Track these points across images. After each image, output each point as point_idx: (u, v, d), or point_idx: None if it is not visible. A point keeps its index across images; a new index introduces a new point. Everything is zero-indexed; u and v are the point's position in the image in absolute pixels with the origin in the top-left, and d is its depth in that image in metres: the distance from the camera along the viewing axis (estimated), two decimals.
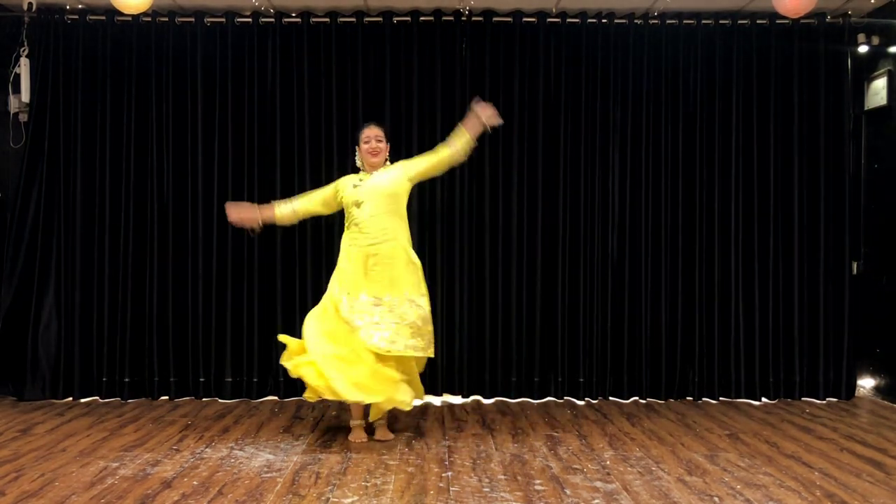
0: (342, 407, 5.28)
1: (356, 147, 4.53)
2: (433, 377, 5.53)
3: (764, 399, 5.54)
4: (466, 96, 5.55)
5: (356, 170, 4.58)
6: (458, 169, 5.53)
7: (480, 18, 5.56)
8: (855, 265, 5.70)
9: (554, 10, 5.54)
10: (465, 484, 3.58)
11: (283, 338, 4.51)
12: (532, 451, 4.14)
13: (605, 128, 5.59)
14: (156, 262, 5.50)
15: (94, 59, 5.52)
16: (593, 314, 5.56)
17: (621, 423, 4.81)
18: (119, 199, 5.52)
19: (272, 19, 5.54)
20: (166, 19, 5.51)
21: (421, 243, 5.53)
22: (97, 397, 5.49)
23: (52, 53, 5.48)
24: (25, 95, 5.54)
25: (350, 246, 4.41)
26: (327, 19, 5.54)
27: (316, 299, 5.47)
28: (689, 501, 3.35)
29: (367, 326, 4.23)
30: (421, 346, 4.33)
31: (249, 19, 5.54)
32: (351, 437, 4.36)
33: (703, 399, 5.55)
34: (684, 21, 5.57)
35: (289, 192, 5.50)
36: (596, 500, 3.36)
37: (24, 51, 5.56)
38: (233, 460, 3.96)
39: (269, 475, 3.70)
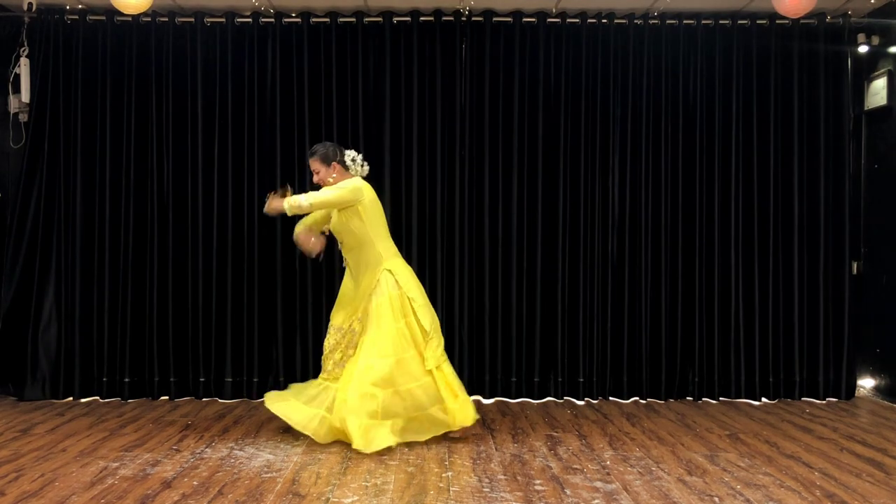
0: None
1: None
2: None
3: (764, 399, 5.54)
4: (466, 96, 5.58)
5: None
6: (458, 169, 5.56)
7: (480, 18, 5.56)
8: (855, 265, 5.70)
9: (554, 10, 5.54)
10: (465, 484, 3.58)
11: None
12: (532, 451, 4.14)
13: (605, 128, 5.59)
14: (156, 262, 5.50)
15: (94, 59, 5.52)
16: (593, 314, 5.56)
17: (621, 423, 4.81)
18: (119, 199, 5.52)
19: (272, 19, 5.54)
20: (166, 19, 5.51)
21: (421, 244, 5.53)
22: (97, 397, 5.49)
23: (52, 53, 5.48)
24: (25, 95, 5.54)
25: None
26: (327, 19, 5.54)
27: (316, 299, 5.51)
28: (689, 501, 3.35)
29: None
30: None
31: (249, 19, 5.54)
32: None
33: (703, 399, 5.55)
34: (684, 21, 5.57)
35: None
36: (596, 500, 3.36)
37: (24, 51, 5.56)
38: (233, 460, 3.96)
39: (269, 475, 3.70)
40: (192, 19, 5.52)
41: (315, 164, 4.46)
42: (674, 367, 5.57)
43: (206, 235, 5.52)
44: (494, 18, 5.55)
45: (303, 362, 5.52)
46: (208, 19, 5.53)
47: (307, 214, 4.50)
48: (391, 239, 4.52)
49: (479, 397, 5.57)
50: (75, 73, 5.50)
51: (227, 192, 5.53)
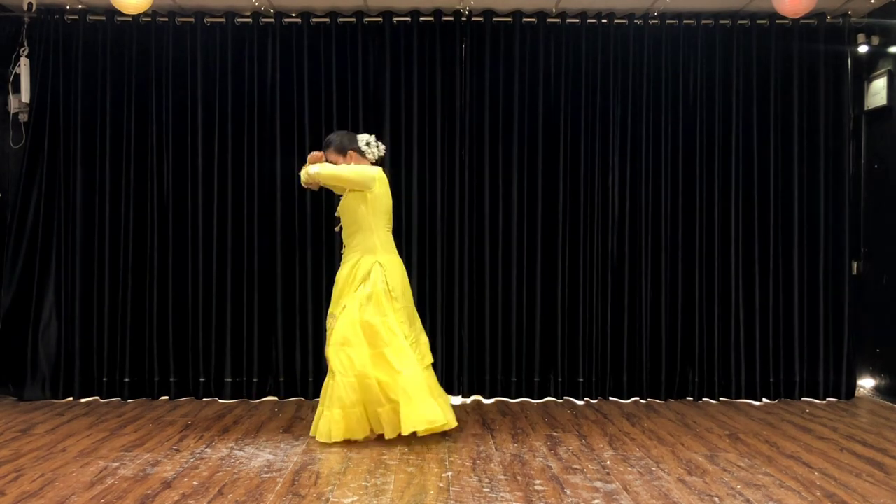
0: None
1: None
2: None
3: (764, 399, 5.54)
4: (466, 96, 5.58)
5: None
6: (458, 169, 5.56)
7: (480, 18, 5.56)
8: (855, 265, 5.70)
9: (554, 10, 5.54)
10: (465, 484, 3.58)
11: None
12: (532, 451, 4.14)
13: (605, 128, 5.59)
14: (156, 263, 5.50)
15: (94, 59, 5.52)
16: (593, 314, 5.56)
17: (621, 423, 4.81)
18: (119, 199, 5.52)
19: (272, 19, 5.54)
20: (166, 19, 5.51)
21: (421, 243, 5.53)
22: (97, 397, 5.49)
23: (52, 53, 5.48)
24: (25, 95, 5.54)
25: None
26: (327, 19, 5.54)
27: (316, 299, 5.51)
28: (689, 501, 3.35)
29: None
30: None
31: (249, 19, 5.54)
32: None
33: (703, 399, 5.55)
34: (684, 21, 5.57)
35: (289, 191, 5.52)
36: (596, 500, 3.36)
37: (24, 51, 5.56)
38: (233, 460, 3.96)
39: (269, 475, 3.70)
40: (192, 19, 5.52)
41: (332, 156, 4.53)
42: (674, 367, 5.57)
43: (206, 236, 5.52)
44: (494, 18, 5.55)
45: (302, 363, 5.52)
46: (208, 19, 5.53)
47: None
48: (391, 235, 4.56)
49: (479, 397, 5.57)
50: (75, 73, 5.50)
51: (227, 192, 5.53)
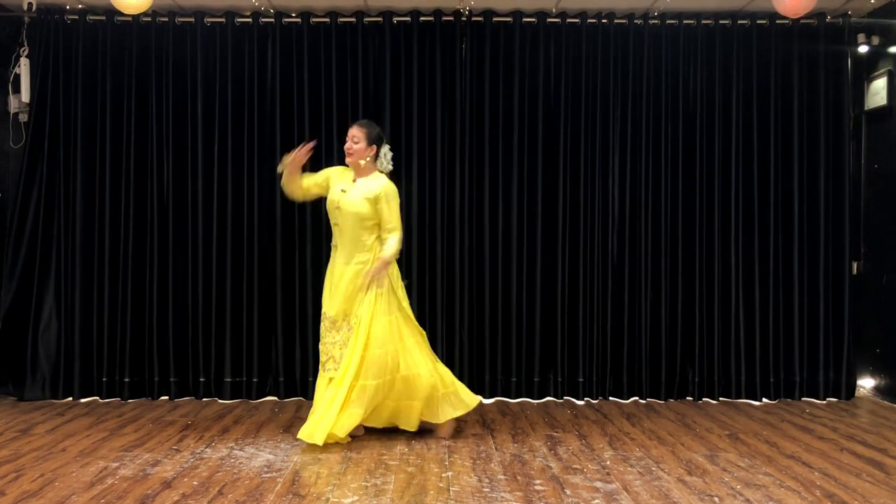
0: None
1: None
2: None
3: (764, 399, 5.54)
4: (466, 96, 5.58)
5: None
6: (459, 169, 5.56)
7: (480, 18, 5.56)
8: (855, 265, 5.70)
9: (554, 10, 5.54)
10: (465, 484, 3.58)
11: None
12: (532, 451, 4.14)
13: (605, 128, 5.59)
14: (156, 263, 5.50)
15: (94, 59, 5.52)
16: (593, 314, 5.56)
17: (621, 423, 4.81)
18: (119, 199, 5.52)
19: (272, 19, 5.54)
20: (166, 19, 5.51)
21: (421, 243, 5.53)
22: (97, 397, 5.49)
23: (52, 53, 5.48)
24: (25, 95, 5.54)
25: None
26: (327, 19, 5.54)
27: (316, 299, 5.51)
28: (689, 501, 3.35)
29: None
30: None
31: (249, 19, 5.54)
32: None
33: (703, 399, 5.55)
34: (684, 21, 5.57)
35: None
36: (596, 500, 3.36)
37: (24, 51, 5.56)
38: (233, 460, 3.96)
39: (269, 475, 3.70)
40: (192, 19, 5.52)
41: (359, 134, 4.40)
42: (674, 367, 5.57)
43: (206, 235, 5.52)
44: (494, 18, 5.55)
45: (302, 363, 5.52)
46: (208, 19, 5.53)
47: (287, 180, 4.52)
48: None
49: (479, 397, 5.55)
50: (75, 73, 5.50)
51: (227, 192, 5.53)
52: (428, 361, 4.42)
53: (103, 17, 5.49)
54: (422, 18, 5.54)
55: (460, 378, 5.54)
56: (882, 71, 5.51)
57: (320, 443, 4.11)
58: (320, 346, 4.51)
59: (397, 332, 4.34)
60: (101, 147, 5.52)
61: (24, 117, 5.60)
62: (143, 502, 3.31)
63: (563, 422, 4.85)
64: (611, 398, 5.57)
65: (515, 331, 5.55)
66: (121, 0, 4.81)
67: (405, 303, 4.48)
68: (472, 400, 4.51)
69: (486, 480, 3.63)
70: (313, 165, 5.47)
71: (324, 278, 5.65)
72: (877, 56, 5.61)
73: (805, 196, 5.61)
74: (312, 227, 5.52)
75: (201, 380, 5.49)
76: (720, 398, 5.55)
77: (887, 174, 5.50)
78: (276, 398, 5.52)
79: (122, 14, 5.32)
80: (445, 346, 5.52)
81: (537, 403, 5.44)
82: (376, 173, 4.47)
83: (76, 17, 5.50)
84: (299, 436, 4.21)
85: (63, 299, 5.47)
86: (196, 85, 5.53)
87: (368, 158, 4.43)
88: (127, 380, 5.47)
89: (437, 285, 5.51)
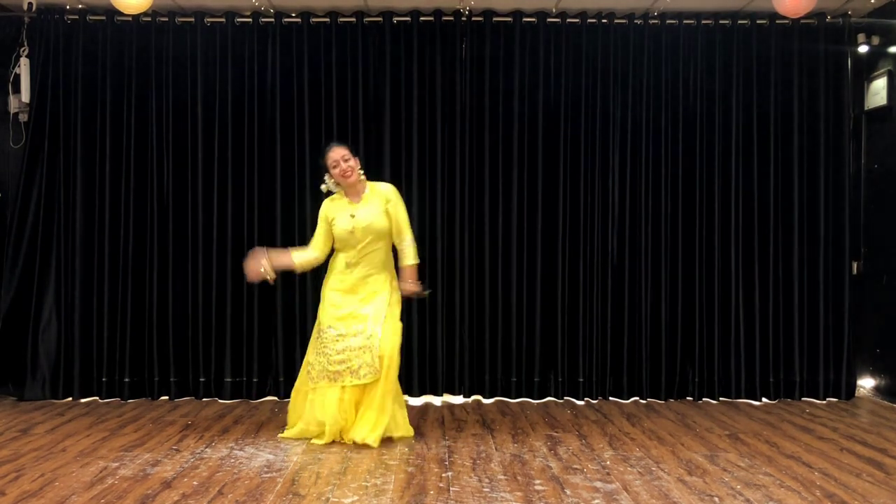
0: None
1: (326, 172, 4.44)
2: (433, 377, 5.54)
3: (764, 399, 5.54)
4: (466, 96, 5.58)
5: (328, 192, 4.50)
6: (459, 169, 5.56)
7: (480, 18, 5.56)
8: (855, 265, 5.70)
9: (554, 10, 5.54)
10: (465, 484, 3.58)
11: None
12: (532, 451, 4.14)
13: (605, 128, 5.59)
14: (156, 263, 5.50)
15: (94, 59, 5.52)
16: (593, 314, 5.56)
17: (621, 423, 4.80)
18: (119, 199, 5.52)
19: (272, 19, 5.54)
20: (166, 19, 5.51)
21: (421, 243, 5.51)
22: (97, 397, 5.49)
23: (52, 53, 5.48)
24: (25, 95, 5.53)
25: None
26: (327, 19, 5.54)
27: (316, 299, 5.49)
28: (689, 501, 3.35)
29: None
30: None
31: (249, 19, 5.54)
32: None
33: (703, 399, 5.55)
34: (684, 21, 5.57)
35: (288, 191, 5.52)
36: (596, 500, 3.36)
37: (24, 51, 5.56)
38: (233, 460, 3.96)
39: (269, 475, 3.70)
40: (192, 19, 5.52)
41: (347, 152, 4.38)
42: (674, 367, 5.57)
43: (206, 235, 5.52)
44: (494, 18, 5.55)
45: (302, 363, 5.51)
46: (208, 19, 5.53)
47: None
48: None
49: (479, 397, 5.57)
50: (75, 73, 5.50)
51: (227, 192, 5.53)
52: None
53: (103, 17, 5.49)
54: (422, 18, 5.54)
55: (461, 377, 5.57)
56: (882, 71, 5.51)
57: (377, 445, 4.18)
58: (322, 360, 4.34)
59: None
60: (101, 147, 5.52)
61: (24, 117, 5.60)
62: (143, 502, 3.31)
63: (563, 422, 4.85)
64: (611, 398, 5.57)
65: (515, 331, 5.55)
66: (121, 0, 4.81)
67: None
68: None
69: (486, 480, 3.63)
70: (313, 171, 5.52)
71: (323, 278, 5.65)
72: (877, 56, 5.61)
73: (805, 196, 5.61)
74: (312, 226, 5.50)
75: (201, 380, 5.50)
76: (720, 398, 5.55)
77: (887, 174, 5.50)
78: (276, 398, 5.52)
79: (122, 14, 5.32)
80: (446, 346, 5.52)
81: (537, 403, 5.44)
82: (368, 184, 4.47)
83: (76, 17, 5.50)
84: (362, 440, 4.18)
85: (63, 299, 5.47)
86: (196, 85, 5.54)
87: (361, 171, 4.43)
88: (127, 380, 5.47)
89: (438, 285, 5.51)
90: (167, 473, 3.71)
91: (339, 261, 4.47)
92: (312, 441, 4.28)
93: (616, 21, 5.55)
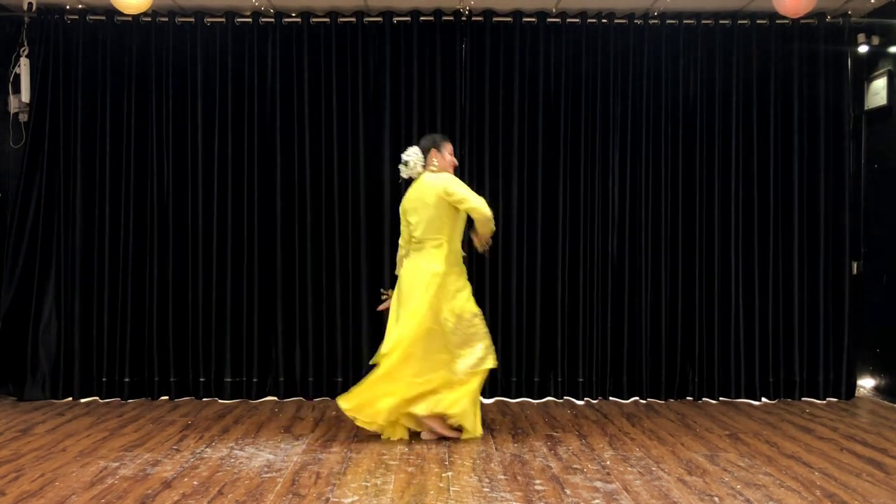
0: None
1: (436, 151, 4.52)
2: None
3: (764, 399, 5.54)
4: (466, 96, 5.58)
5: (410, 179, 4.60)
6: (458, 169, 5.53)
7: (480, 18, 5.56)
8: (855, 265, 5.70)
9: (554, 10, 5.54)
10: (465, 484, 3.58)
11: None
12: (532, 451, 4.14)
13: (605, 128, 5.59)
14: (156, 263, 5.50)
15: (94, 59, 5.52)
16: (593, 314, 5.56)
17: (621, 423, 4.80)
18: (119, 199, 5.52)
19: (272, 19, 5.54)
20: (166, 19, 5.51)
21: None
22: (97, 397, 5.49)
23: (52, 53, 5.48)
24: (25, 95, 5.53)
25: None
26: (327, 19, 5.54)
27: (315, 300, 5.51)
28: (689, 501, 3.35)
29: None
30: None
31: (249, 19, 5.54)
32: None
33: (703, 399, 5.55)
34: (684, 21, 5.57)
35: (288, 191, 5.52)
36: (596, 500, 3.36)
37: (24, 51, 5.56)
38: (233, 460, 3.96)
39: (269, 475, 3.70)
40: (192, 19, 5.52)
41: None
42: (674, 367, 5.56)
43: (206, 235, 5.52)
44: (494, 18, 5.55)
45: (302, 362, 5.52)
46: (208, 19, 5.53)
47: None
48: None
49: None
50: (75, 73, 5.50)
51: (227, 192, 5.53)
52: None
53: (103, 17, 5.49)
54: (422, 18, 5.54)
55: None
56: (882, 71, 5.51)
57: None
58: (488, 342, 4.44)
59: None
60: (101, 147, 5.52)
61: (24, 117, 5.60)
62: (143, 502, 3.31)
63: (563, 422, 4.85)
64: (611, 398, 5.57)
65: (515, 331, 5.55)
66: (121, 0, 4.81)
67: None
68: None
69: (486, 480, 3.63)
70: (313, 171, 5.52)
71: (324, 278, 5.65)
72: (877, 56, 5.61)
73: (805, 196, 5.61)
74: (312, 226, 5.52)
75: (201, 380, 5.49)
76: (720, 398, 5.55)
77: (887, 174, 5.50)
78: (276, 398, 5.52)
79: (122, 14, 5.32)
80: None
81: (537, 403, 5.44)
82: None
83: (76, 17, 5.50)
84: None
85: (63, 299, 5.47)
86: (196, 85, 5.53)
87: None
88: (127, 380, 5.47)
89: None
90: (167, 473, 3.71)
91: (457, 246, 4.52)
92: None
93: (616, 21, 5.55)
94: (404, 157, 4.55)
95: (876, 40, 5.60)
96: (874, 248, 5.66)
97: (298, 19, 5.55)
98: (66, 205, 5.50)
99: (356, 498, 3.38)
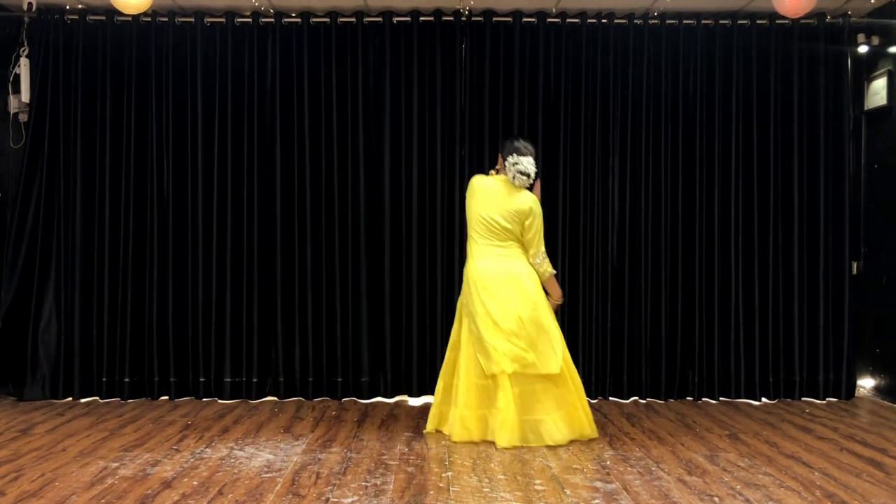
0: (342, 407, 5.29)
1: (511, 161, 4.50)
2: (433, 378, 5.51)
3: (764, 399, 5.54)
4: (466, 96, 5.58)
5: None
6: (458, 169, 5.55)
7: (480, 18, 5.56)
8: (855, 265, 5.70)
9: (554, 10, 5.54)
10: (465, 484, 3.58)
11: None
12: (532, 451, 4.14)
13: (605, 128, 5.59)
14: (156, 263, 5.50)
15: (94, 59, 5.52)
16: (593, 314, 5.56)
17: (621, 423, 4.80)
18: (119, 199, 5.52)
19: (272, 19, 5.54)
20: (166, 19, 5.51)
21: (421, 244, 5.53)
22: (97, 397, 5.49)
23: (52, 53, 5.47)
24: (25, 95, 5.53)
25: None
26: (327, 19, 5.54)
27: (315, 300, 5.51)
28: (689, 501, 3.35)
29: None
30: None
31: (249, 19, 5.54)
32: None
33: (703, 399, 5.55)
34: (684, 21, 5.57)
35: (288, 191, 5.52)
36: (596, 500, 3.36)
37: (24, 51, 5.56)
38: (233, 460, 3.96)
39: (269, 475, 3.70)
40: (192, 19, 5.52)
41: None
42: (674, 367, 5.56)
43: (206, 235, 5.52)
44: (494, 18, 5.55)
45: (302, 363, 5.52)
46: (208, 19, 5.53)
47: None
48: (478, 241, 4.49)
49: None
50: (75, 73, 5.50)
51: (227, 192, 5.53)
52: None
53: (103, 17, 5.49)
54: (422, 18, 5.54)
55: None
56: (882, 71, 5.51)
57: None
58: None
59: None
60: (101, 147, 5.52)
61: (24, 117, 5.60)
62: (143, 502, 3.31)
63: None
64: (611, 398, 5.57)
65: None
66: (121, 0, 4.81)
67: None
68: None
69: (486, 480, 3.63)
70: (313, 171, 5.52)
71: (324, 278, 5.65)
72: (877, 56, 5.61)
73: (805, 196, 5.61)
74: (312, 226, 5.52)
75: (201, 380, 5.49)
76: (720, 398, 5.55)
77: (887, 174, 5.50)
78: (276, 398, 5.52)
79: (122, 14, 5.32)
80: (445, 346, 5.50)
81: None
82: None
83: (76, 17, 5.50)
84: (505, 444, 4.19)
85: (63, 299, 5.47)
86: (196, 85, 5.53)
87: (497, 169, 4.62)
88: (127, 380, 5.46)
89: (438, 285, 5.51)
90: (167, 473, 3.71)
91: None
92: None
93: (616, 21, 5.55)
94: (531, 170, 4.49)
95: (876, 40, 5.60)
96: (874, 248, 5.66)
97: (298, 19, 5.55)
98: (66, 205, 5.50)
99: (356, 498, 3.38)
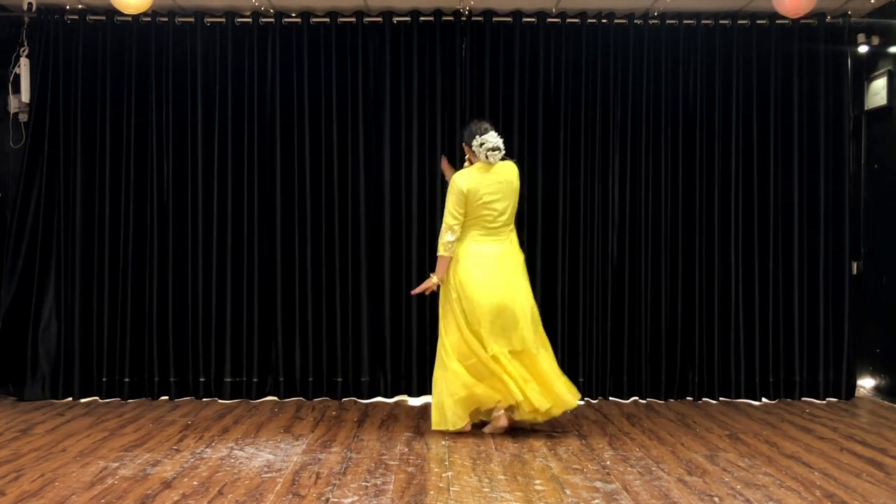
0: (343, 407, 5.29)
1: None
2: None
3: (764, 399, 5.54)
4: (466, 96, 5.58)
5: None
6: (459, 169, 5.54)
7: (480, 18, 5.56)
8: (855, 265, 5.70)
9: (554, 10, 5.54)
10: (465, 484, 3.58)
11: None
12: (532, 451, 4.14)
13: (605, 128, 5.59)
14: (156, 263, 5.50)
15: (94, 59, 5.52)
16: (593, 314, 5.56)
17: (621, 423, 4.81)
18: (119, 199, 5.52)
19: (272, 19, 5.54)
20: (166, 19, 5.51)
21: (421, 244, 5.53)
22: (97, 397, 5.49)
23: (52, 53, 5.48)
24: (25, 95, 5.53)
25: None
26: (327, 19, 5.54)
27: (315, 300, 5.51)
28: (689, 501, 3.35)
29: None
30: None
31: (249, 19, 5.54)
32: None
33: (703, 399, 5.55)
34: (684, 21, 5.57)
35: (288, 191, 5.52)
36: (596, 500, 3.36)
37: (24, 51, 5.56)
38: (233, 460, 3.96)
39: (269, 475, 3.70)
40: (192, 19, 5.52)
41: (465, 147, 4.69)
42: (674, 367, 5.56)
43: (206, 235, 5.52)
44: (494, 18, 5.55)
45: (302, 363, 5.52)
46: (208, 19, 5.53)
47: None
48: (477, 228, 4.56)
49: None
50: (75, 73, 5.50)
51: (227, 192, 5.53)
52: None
53: (103, 17, 5.49)
54: (422, 18, 5.54)
55: None
56: (882, 71, 5.51)
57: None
58: None
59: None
60: (101, 147, 5.52)
61: (24, 117, 5.60)
62: (143, 502, 3.31)
63: (563, 422, 4.84)
64: (611, 398, 5.57)
65: None
66: (121, 0, 4.81)
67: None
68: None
69: (486, 480, 3.63)
70: (313, 170, 5.52)
71: (324, 277, 5.65)
72: (877, 56, 5.61)
73: (805, 196, 5.61)
74: (312, 226, 5.52)
75: (201, 380, 5.49)
76: (720, 398, 5.55)
77: (887, 174, 5.50)
78: (276, 398, 5.52)
79: (122, 14, 5.32)
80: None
81: None
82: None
83: (76, 17, 5.50)
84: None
85: (63, 299, 5.47)
86: (196, 85, 5.53)
87: (468, 159, 4.68)
88: (127, 380, 5.46)
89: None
90: (167, 473, 3.71)
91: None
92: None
93: (616, 21, 5.55)
94: (499, 143, 4.55)
95: (876, 40, 5.60)
96: (874, 248, 5.66)
97: (298, 19, 5.55)
98: (66, 205, 5.49)
99: (356, 498, 3.38)
